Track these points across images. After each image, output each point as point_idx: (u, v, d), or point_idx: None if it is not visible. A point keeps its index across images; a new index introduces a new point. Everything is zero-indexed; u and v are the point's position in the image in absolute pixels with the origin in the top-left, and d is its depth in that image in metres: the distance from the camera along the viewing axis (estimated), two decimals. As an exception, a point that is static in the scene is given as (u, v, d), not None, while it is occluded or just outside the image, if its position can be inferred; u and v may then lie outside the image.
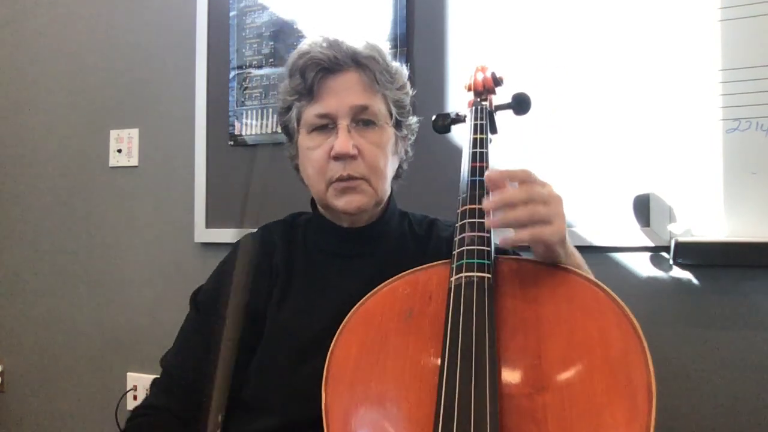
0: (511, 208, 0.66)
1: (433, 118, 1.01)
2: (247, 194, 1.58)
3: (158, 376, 0.93)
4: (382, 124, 0.87)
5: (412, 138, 0.98)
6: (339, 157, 0.83)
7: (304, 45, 0.88)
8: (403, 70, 0.93)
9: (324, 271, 0.91)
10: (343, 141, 0.82)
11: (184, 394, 0.87)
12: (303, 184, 0.94)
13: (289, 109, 0.91)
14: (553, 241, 0.68)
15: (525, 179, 0.67)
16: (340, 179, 0.84)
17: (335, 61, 0.84)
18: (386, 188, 0.91)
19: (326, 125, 0.85)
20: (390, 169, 0.91)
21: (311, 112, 0.85)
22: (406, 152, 0.97)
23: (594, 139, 1.26)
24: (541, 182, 0.69)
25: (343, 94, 0.84)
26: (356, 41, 0.88)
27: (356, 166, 0.84)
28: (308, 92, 0.85)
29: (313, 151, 0.86)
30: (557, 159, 1.28)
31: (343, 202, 0.85)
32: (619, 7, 1.25)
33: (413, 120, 0.97)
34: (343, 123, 0.83)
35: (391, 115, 0.89)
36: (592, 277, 0.70)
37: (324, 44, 0.86)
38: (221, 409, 0.57)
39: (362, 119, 0.85)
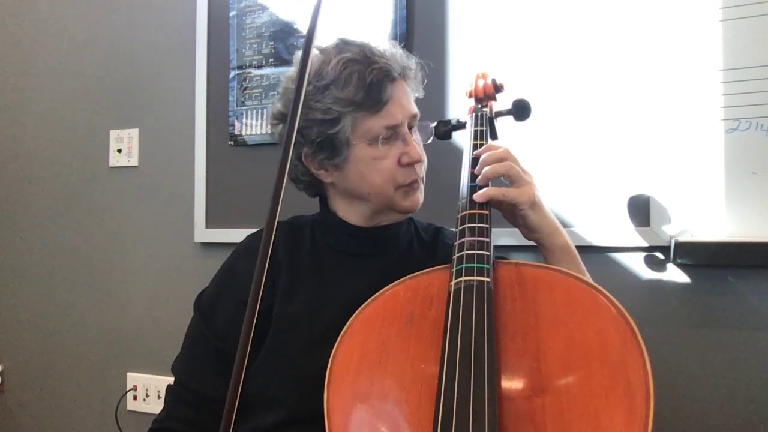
0: (495, 162, 0.81)
1: (434, 124, 1.02)
2: (247, 194, 1.59)
3: (171, 383, 0.93)
4: (416, 127, 0.92)
5: None
6: (412, 163, 0.88)
7: (350, 53, 0.85)
8: (413, 63, 0.93)
9: (333, 268, 0.92)
10: (415, 148, 0.88)
11: (200, 401, 0.88)
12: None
13: (336, 120, 0.85)
14: (521, 201, 0.80)
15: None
16: (412, 182, 0.89)
17: (398, 71, 0.87)
18: None
19: (391, 135, 0.88)
20: None
21: (379, 124, 0.85)
22: None
23: (595, 139, 1.26)
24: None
25: (403, 103, 0.88)
26: (394, 46, 0.90)
27: (420, 168, 0.91)
28: (374, 104, 0.84)
29: (382, 161, 0.87)
30: (558, 158, 1.28)
31: (409, 202, 0.90)
32: (619, 8, 1.25)
33: None
34: (406, 131, 0.88)
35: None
36: (589, 279, 0.70)
37: (383, 49, 0.87)
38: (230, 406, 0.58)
39: (410, 125, 0.90)
